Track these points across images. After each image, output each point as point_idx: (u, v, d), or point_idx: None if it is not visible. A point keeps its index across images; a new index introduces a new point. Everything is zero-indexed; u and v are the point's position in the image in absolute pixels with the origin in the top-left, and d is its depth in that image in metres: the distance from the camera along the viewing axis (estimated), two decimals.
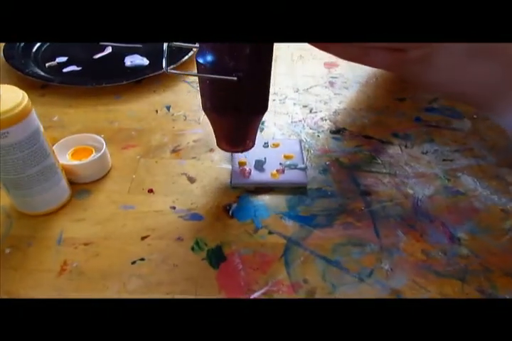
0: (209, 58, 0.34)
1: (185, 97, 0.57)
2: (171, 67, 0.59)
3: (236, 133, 0.41)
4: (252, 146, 0.43)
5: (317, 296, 0.35)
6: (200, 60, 0.35)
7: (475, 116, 0.55)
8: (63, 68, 0.62)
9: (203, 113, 0.40)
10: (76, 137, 0.46)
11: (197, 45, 0.36)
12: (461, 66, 0.31)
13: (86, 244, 0.39)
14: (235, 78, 0.34)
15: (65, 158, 0.45)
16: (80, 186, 0.45)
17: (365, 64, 0.33)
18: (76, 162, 0.44)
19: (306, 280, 0.37)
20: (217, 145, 0.43)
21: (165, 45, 0.34)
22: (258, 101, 0.39)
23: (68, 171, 0.43)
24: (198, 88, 0.38)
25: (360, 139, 0.51)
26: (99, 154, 0.44)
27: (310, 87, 0.60)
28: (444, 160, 0.49)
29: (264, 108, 0.40)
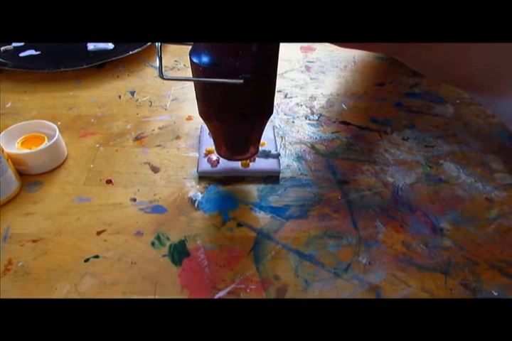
0: (209, 58, 0.29)
1: (151, 82, 0.53)
2: (138, 49, 0.55)
3: (239, 140, 0.37)
4: (256, 153, 0.38)
5: (288, 294, 0.32)
6: (196, 60, 0.29)
7: (458, 101, 0.52)
8: (20, 52, 0.58)
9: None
10: (26, 124, 0.42)
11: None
12: (464, 47, 0.29)
13: (34, 241, 0.35)
14: (242, 81, 0.29)
15: (14, 147, 0.41)
16: (32, 177, 0.40)
17: (367, 50, 0.31)
18: (25, 151, 0.40)
19: (276, 276, 0.33)
20: (217, 152, 0.38)
21: (157, 48, 0.28)
22: (265, 105, 0.34)
23: (17, 161, 0.39)
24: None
25: (337, 125, 0.48)
26: (51, 142, 0.40)
27: (285, 71, 0.57)
28: (425, 146, 0.46)
29: (270, 111, 0.35)
